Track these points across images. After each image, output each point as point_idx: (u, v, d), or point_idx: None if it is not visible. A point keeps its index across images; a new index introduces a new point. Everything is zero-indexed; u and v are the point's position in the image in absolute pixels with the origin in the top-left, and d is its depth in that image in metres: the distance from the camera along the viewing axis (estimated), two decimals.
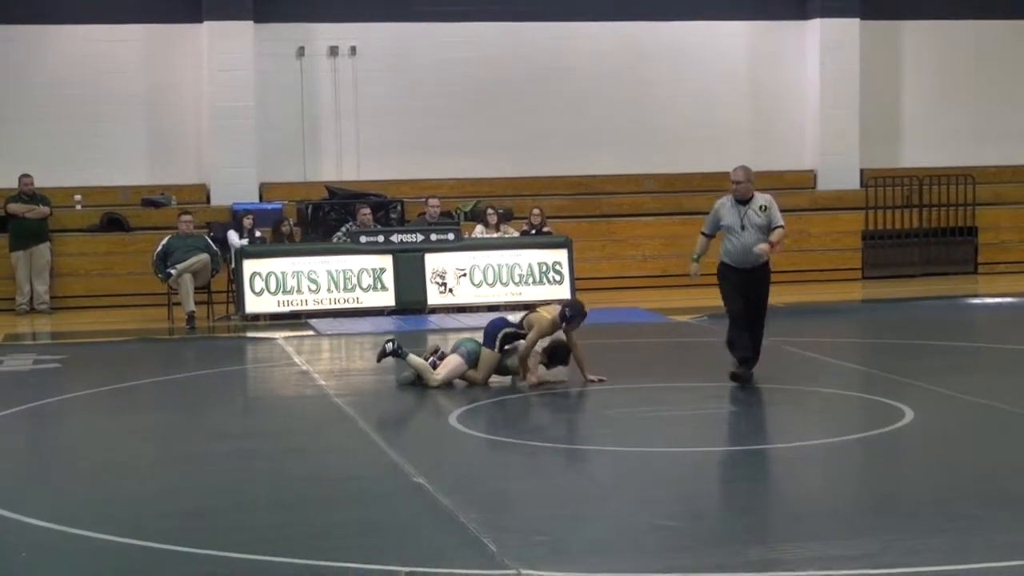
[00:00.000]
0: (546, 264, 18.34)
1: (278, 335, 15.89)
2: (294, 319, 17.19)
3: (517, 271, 18.23)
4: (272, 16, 21.36)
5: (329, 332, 16.23)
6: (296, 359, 14.02)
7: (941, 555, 6.55)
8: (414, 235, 18.05)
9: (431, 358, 11.95)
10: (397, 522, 7.38)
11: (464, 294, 18.05)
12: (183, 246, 17.49)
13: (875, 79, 23.01)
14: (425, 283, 17.89)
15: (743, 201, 11.51)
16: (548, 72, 22.35)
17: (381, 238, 17.96)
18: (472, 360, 11.87)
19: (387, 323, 16.94)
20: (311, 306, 17.48)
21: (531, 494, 8.06)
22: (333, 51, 21.76)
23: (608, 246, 21.07)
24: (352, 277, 17.71)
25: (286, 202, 20.63)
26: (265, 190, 21.42)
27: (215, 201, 20.99)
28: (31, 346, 15.93)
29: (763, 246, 11.38)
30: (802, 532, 7.09)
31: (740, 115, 22.95)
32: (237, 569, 6.65)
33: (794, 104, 23.05)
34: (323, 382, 12.39)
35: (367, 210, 18.67)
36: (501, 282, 18.17)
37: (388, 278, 17.78)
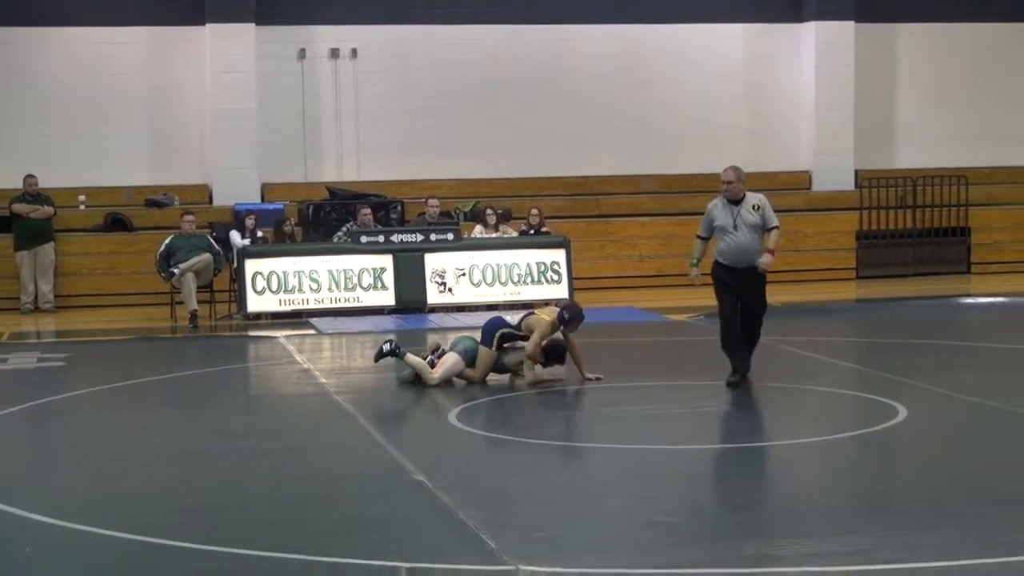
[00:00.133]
0: (544, 264, 18.41)
1: (279, 334, 15.94)
2: (295, 318, 17.23)
3: (516, 271, 18.29)
4: (273, 18, 21.40)
5: (330, 331, 16.29)
6: (297, 358, 14.07)
7: (935, 551, 6.58)
8: (414, 235, 18.11)
9: (431, 356, 11.98)
10: (397, 519, 7.43)
11: (463, 293, 18.11)
12: (186, 246, 17.55)
13: (870, 81, 23.05)
14: (425, 282, 17.95)
15: (735, 201, 11.52)
16: (547, 74, 22.38)
17: (381, 238, 18.02)
18: (469, 358, 11.92)
19: (387, 322, 17.00)
20: (312, 305, 17.55)
21: (530, 491, 8.09)
22: (334, 53, 21.82)
23: (606, 246, 21.09)
24: (353, 276, 17.78)
25: (287, 202, 20.68)
26: (267, 191, 21.47)
27: (217, 201, 21.05)
28: (35, 344, 15.99)
29: (766, 259, 11.44)
30: (797, 528, 7.13)
31: (737, 116, 22.98)
32: (239, 565, 6.69)
33: (790, 106, 23.09)
34: (324, 380, 12.44)
35: (367, 210, 18.72)
36: (500, 282, 18.23)
37: (388, 277, 17.85)
